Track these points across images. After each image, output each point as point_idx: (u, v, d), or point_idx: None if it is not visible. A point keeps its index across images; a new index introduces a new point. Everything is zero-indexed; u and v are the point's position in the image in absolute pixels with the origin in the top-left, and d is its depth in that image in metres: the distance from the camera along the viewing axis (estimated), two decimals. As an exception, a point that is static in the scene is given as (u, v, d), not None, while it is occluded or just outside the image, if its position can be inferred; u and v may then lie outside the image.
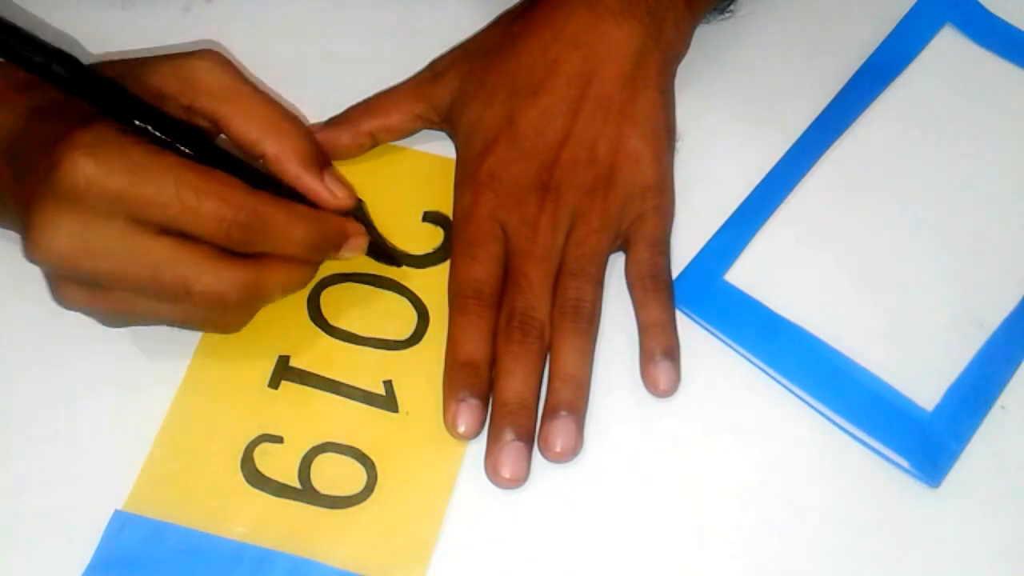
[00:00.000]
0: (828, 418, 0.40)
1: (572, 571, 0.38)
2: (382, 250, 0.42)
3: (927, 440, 0.39)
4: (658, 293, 0.41)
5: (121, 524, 0.38)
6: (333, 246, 0.39)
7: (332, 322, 0.42)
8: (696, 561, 0.38)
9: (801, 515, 0.39)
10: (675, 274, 0.43)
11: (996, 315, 0.42)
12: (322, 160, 0.39)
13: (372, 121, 0.44)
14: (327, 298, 0.43)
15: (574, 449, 0.39)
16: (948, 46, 0.48)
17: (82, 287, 0.35)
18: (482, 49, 0.45)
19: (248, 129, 0.37)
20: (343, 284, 0.43)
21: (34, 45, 0.33)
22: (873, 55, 0.47)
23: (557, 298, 0.41)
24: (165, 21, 0.48)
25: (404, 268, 0.43)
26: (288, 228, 0.36)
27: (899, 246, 0.44)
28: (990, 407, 0.40)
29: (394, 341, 0.42)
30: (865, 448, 0.40)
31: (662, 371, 0.40)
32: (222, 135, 0.38)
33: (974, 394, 0.40)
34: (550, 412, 0.39)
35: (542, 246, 0.41)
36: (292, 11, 0.49)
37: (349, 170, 0.45)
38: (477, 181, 0.42)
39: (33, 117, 0.36)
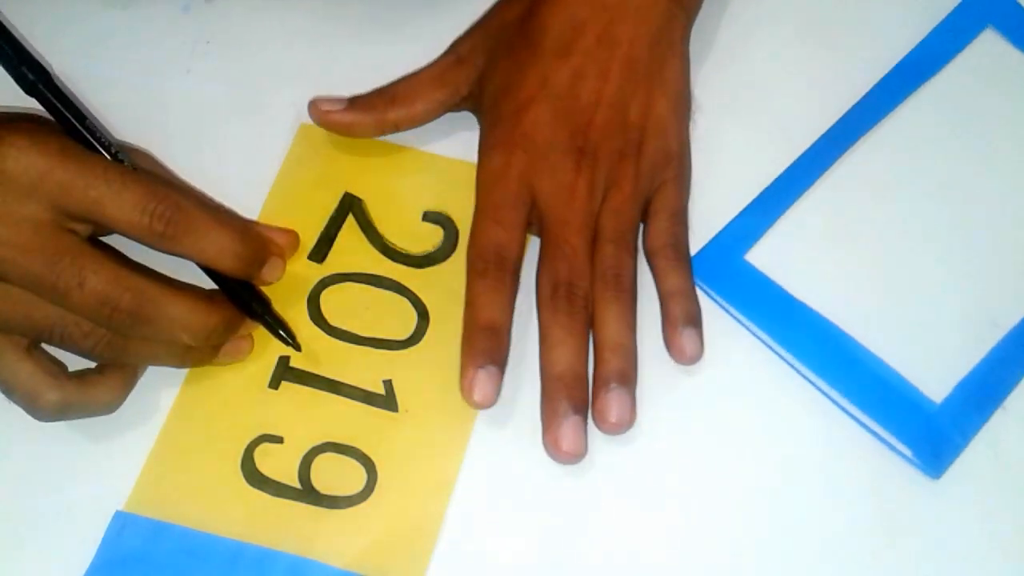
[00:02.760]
0: (836, 402, 0.40)
1: (573, 570, 0.38)
2: (281, 324, 0.40)
3: (933, 432, 0.39)
4: (679, 262, 0.41)
5: (122, 524, 0.38)
6: (259, 260, 0.39)
7: (332, 322, 0.42)
8: (699, 540, 0.38)
9: (801, 498, 0.39)
10: (695, 249, 0.43)
11: (1012, 316, 0.42)
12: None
13: (398, 111, 0.44)
14: (327, 298, 0.42)
15: (630, 420, 0.38)
16: (988, 48, 0.47)
17: None
18: (502, 22, 0.44)
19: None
20: (343, 284, 0.43)
21: (20, 52, 0.36)
22: (912, 52, 0.47)
23: (597, 266, 0.40)
24: (165, 21, 0.49)
25: (404, 268, 0.43)
26: (210, 230, 0.36)
27: (922, 241, 0.43)
28: (998, 405, 0.40)
29: (394, 341, 0.42)
30: (870, 435, 0.40)
31: (687, 339, 0.40)
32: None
33: (983, 391, 0.40)
34: (602, 383, 0.38)
35: (581, 212, 0.40)
36: (292, 11, 0.49)
37: (350, 169, 0.45)
38: (511, 142, 0.41)
39: None
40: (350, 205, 0.44)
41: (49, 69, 0.37)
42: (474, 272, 0.40)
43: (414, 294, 0.42)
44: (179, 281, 0.38)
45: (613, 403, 0.38)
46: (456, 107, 0.44)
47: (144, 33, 0.48)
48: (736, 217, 0.44)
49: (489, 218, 0.40)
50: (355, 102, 0.44)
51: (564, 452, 0.37)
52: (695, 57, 0.47)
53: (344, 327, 0.42)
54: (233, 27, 0.49)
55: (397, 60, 0.46)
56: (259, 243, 0.39)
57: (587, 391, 0.39)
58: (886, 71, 0.47)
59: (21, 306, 0.35)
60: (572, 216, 0.40)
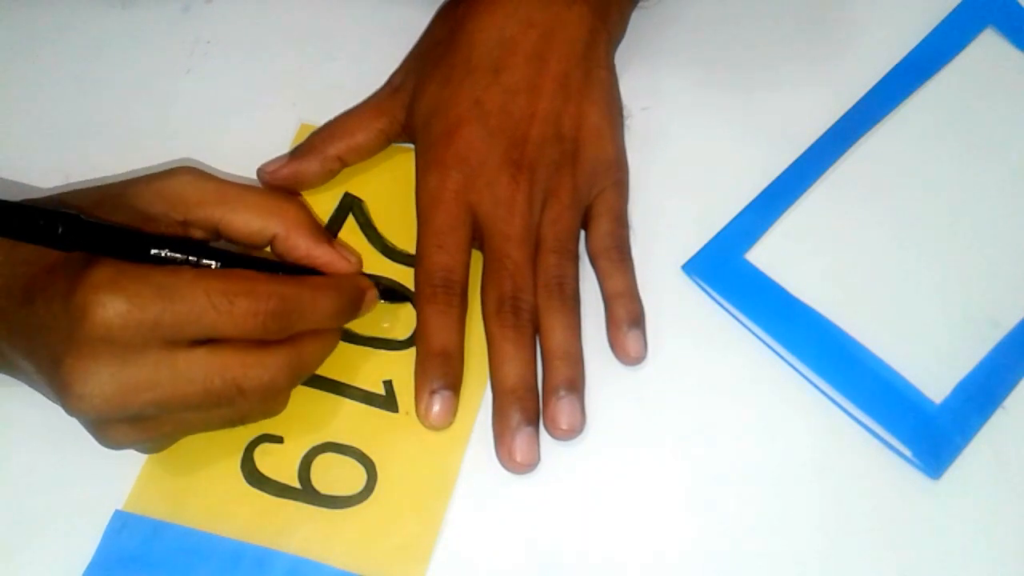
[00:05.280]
0: (836, 402, 0.40)
1: (573, 570, 0.38)
2: (394, 292, 0.42)
3: (932, 432, 0.39)
4: (623, 263, 0.42)
5: (121, 524, 0.38)
6: (355, 306, 0.39)
7: (332, 322, 0.42)
8: (698, 540, 0.38)
9: (801, 497, 0.39)
10: (696, 249, 0.43)
11: (1012, 316, 0.42)
12: (326, 231, 0.40)
13: (338, 144, 0.44)
14: (327, 297, 0.42)
15: (580, 425, 0.39)
16: (988, 48, 0.47)
17: (131, 424, 0.35)
18: (431, 42, 0.45)
19: (250, 220, 0.37)
20: (343, 283, 0.43)
21: (35, 216, 0.32)
22: (912, 52, 0.47)
23: (540, 276, 0.41)
24: (165, 21, 0.49)
25: (404, 268, 0.43)
26: (315, 303, 0.37)
27: (921, 241, 0.43)
28: (998, 405, 0.40)
29: (394, 341, 0.42)
30: (869, 435, 0.39)
31: (632, 339, 0.40)
32: (222, 240, 0.38)
33: (983, 391, 0.40)
34: (552, 391, 0.39)
35: (521, 226, 0.40)
36: (292, 11, 0.49)
37: (350, 169, 0.45)
38: (443, 163, 0.41)
39: (26, 271, 0.35)
40: (350, 205, 0.45)
41: (77, 212, 0.33)
42: (423, 297, 0.40)
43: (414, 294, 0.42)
44: (307, 277, 0.38)
45: (564, 410, 0.39)
46: (399, 137, 0.45)
47: (144, 33, 0.48)
48: (736, 217, 0.44)
49: (432, 244, 0.40)
50: (296, 151, 0.44)
51: (518, 463, 0.38)
52: (695, 57, 0.48)
53: (344, 327, 0.42)
54: (233, 27, 0.49)
55: (397, 61, 0.46)
56: (353, 292, 0.39)
57: (538, 401, 0.39)
58: (886, 71, 0.47)
59: (193, 422, 0.36)
60: (512, 230, 0.40)
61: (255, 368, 0.35)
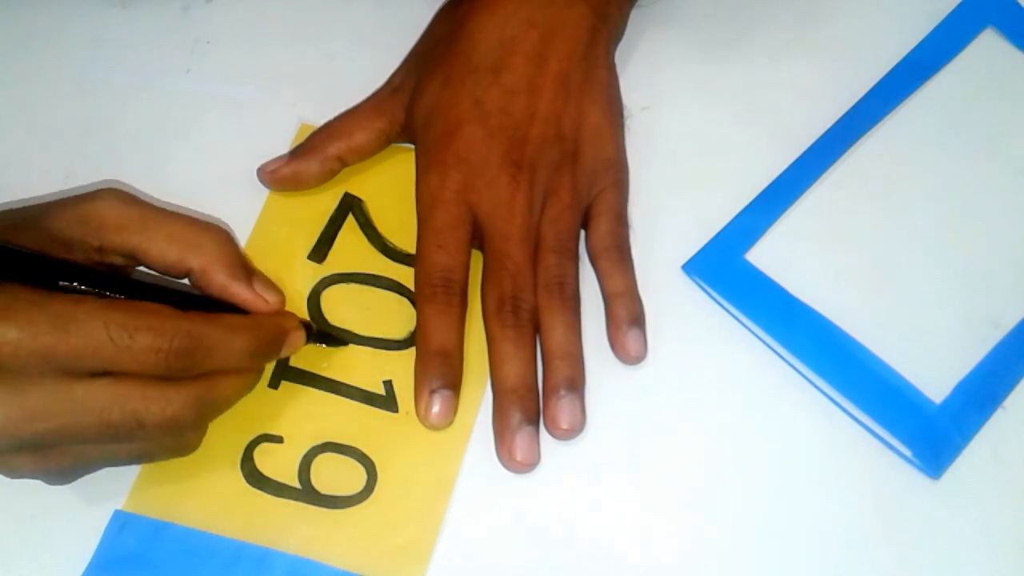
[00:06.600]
0: (836, 402, 0.40)
1: (573, 570, 0.38)
2: (326, 334, 0.41)
3: (932, 432, 0.39)
4: (623, 263, 0.42)
5: (121, 524, 0.38)
6: (274, 347, 0.38)
7: (332, 322, 0.42)
8: (699, 540, 0.38)
9: (800, 497, 0.39)
10: (696, 249, 0.43)
11: (1012, 316, 0.42)
12: (248, 267, 0.39)
13: (338, 144, 0.44)
14: (327, 298, 0.43)
15: (581, 425, 0.39)
16: (988, 48, 0.47)
17: (28, 453, 0.34)
18: (431, 42, 0.45)
19: (166, 251, 0.36)
20: (343, 284, 0.43)
21: None
22: (912, 52, 0.47)
23: (540, 276, 0.41)
24: (165, 21, 0.49)
25: (404, 268, 0.43)
26: (226, 343, 0.35)
27: (921, 241, 0.43)
28: (998, 405, 0.40)
29: (394, 341, 0.42)
30: (869, 435, 0.40)
31: (632, 339, 0.40)
32: (140, 267, 0.38)
33: (983, 391, 0.40)
34: (552, 391, 0.39)
35: (521, 225, 0.41)
36: (292, 11, 0.49)
37: (350, 169, 0.45)
38: (443, 163, 0.41)
39: None
40: (350, 205, 0.45)
41: None
42: (422, 297, 0.40)
43: (413, 294, 0.42)
44: (222, 315, 0.37)
45: (564, 410, 0.39)
46: (398, 137, 0.45)
47: (144, 33, 0.48)
48: (736, 217, 0.44)
49: (432, 243, 0.40)
50: (296, 150, 0.44)
51: (518, 463, 0.38)
52: (695, 56, 0.48)
53: (344, 327, 0.42)
54: (233, 27, 0.49)
55: (397, 60, 0.46)
56: (273, 333, 0.38)
57: (538, 401, 0.39)
58: (886, 71, 0.47)
59: (94, 454, 0.35)
60: (512, 230, 0.40)
61: (157, 402, 0.34)
